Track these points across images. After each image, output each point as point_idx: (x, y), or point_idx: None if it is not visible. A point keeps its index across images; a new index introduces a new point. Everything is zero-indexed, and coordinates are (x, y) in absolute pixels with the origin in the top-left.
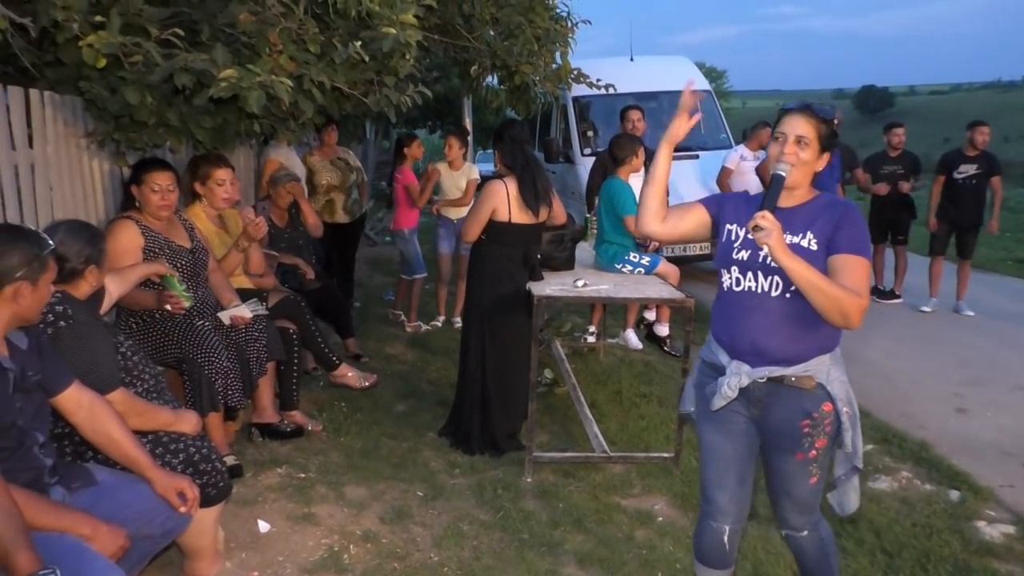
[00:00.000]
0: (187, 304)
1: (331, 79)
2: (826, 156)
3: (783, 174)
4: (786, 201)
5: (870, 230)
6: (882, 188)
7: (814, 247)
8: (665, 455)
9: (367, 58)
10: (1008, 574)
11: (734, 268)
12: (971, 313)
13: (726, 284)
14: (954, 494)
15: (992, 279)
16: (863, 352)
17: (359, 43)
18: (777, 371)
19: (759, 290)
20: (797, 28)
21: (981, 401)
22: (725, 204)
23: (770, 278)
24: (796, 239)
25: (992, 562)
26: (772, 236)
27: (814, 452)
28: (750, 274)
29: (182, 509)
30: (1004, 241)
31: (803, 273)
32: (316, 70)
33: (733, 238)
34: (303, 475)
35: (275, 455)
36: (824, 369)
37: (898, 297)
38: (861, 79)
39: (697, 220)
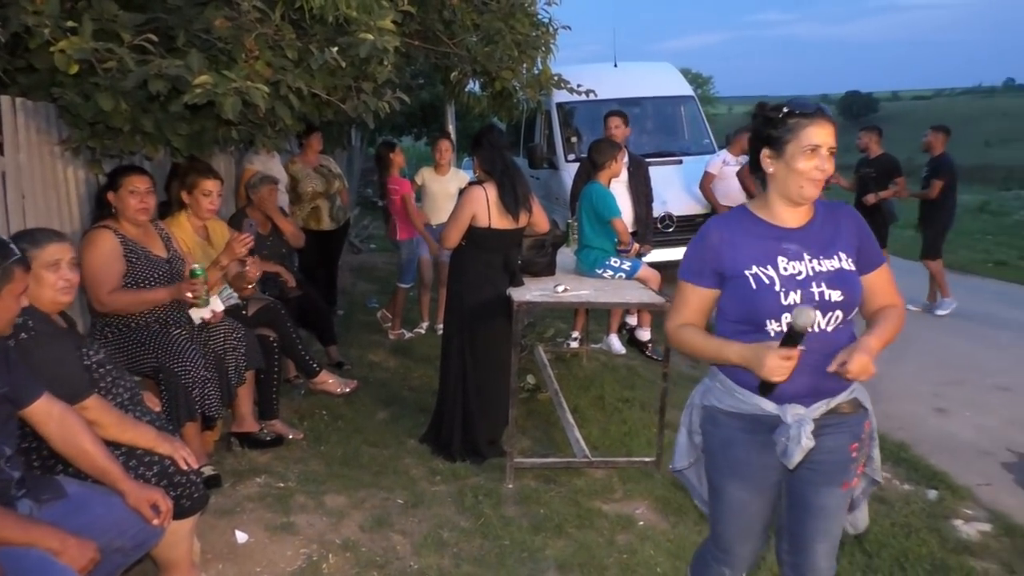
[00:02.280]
0: (204, 308)
1: (308, 85)
2: None
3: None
4: (798, 221)
5: None
6: (869, 199)
7: (851, 266)
8: (647, 459)
9: (344, 64)
10: (984, 571)
11: (784, 315)
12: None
13: (772, 331)
14: (932, 493)
15: (972, 281)
16: None
17: (336, 49)
18: (834, 402)
19: (817, 329)
20: (782, 34)
21: (960, 401)
22: (722, 251)
23: (829, 315)
24: (835, 263)
25: (969, 560)
26: (870, 365)
27: (856, 479)
28: None
29: (155, 521)
30: (985, 243)
31: (889, 338)
32: (293, 76)
33: (767, 282)
34: (282, 484)
35: (254, 464)
36: (861, 387)
37: None
38: (845, 84)
39: (711, 304)
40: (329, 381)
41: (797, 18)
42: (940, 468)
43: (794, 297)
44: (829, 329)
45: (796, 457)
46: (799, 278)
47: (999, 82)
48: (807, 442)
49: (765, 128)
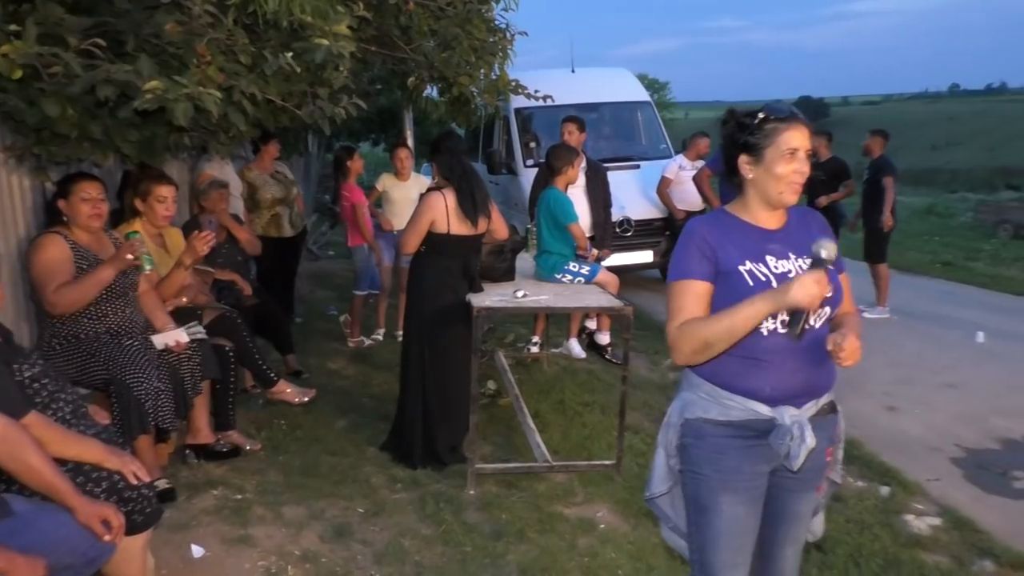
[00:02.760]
0: (147, 266)
1: (262, 91)
2: None
3: (829, 253)
4: (776, 223)
5: None
6: (821, 201)
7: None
8: (607, 463)
9: (300, 69)
10: (935, 565)
11: (781, 311)
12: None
13: (766, 330)
14: (884, 489)
15: (920, 281)
16: None
17: (291, 54)
18: (820, 402)
19: (811, 326)
20: (737, 41)
21: (910, 399)
22: (715, 245)
23: (819, 311)
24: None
25: (920, 554)
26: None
27: (826, 483)
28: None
29: (106, 538)
30: (932, 245)
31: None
32: (246, 82)
33: (762, 278)
34: (240, 496)
35: (210, 477)
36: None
37: None
38: (798, 90)
39: (708, 298)
40: (287, 390)
41: (751, 24)
42: (892, 465)
43: None
44: (817, 327)
45: (802, 458)
46: (790, 276)
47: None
48: (811, 441)
49: (741, 134)
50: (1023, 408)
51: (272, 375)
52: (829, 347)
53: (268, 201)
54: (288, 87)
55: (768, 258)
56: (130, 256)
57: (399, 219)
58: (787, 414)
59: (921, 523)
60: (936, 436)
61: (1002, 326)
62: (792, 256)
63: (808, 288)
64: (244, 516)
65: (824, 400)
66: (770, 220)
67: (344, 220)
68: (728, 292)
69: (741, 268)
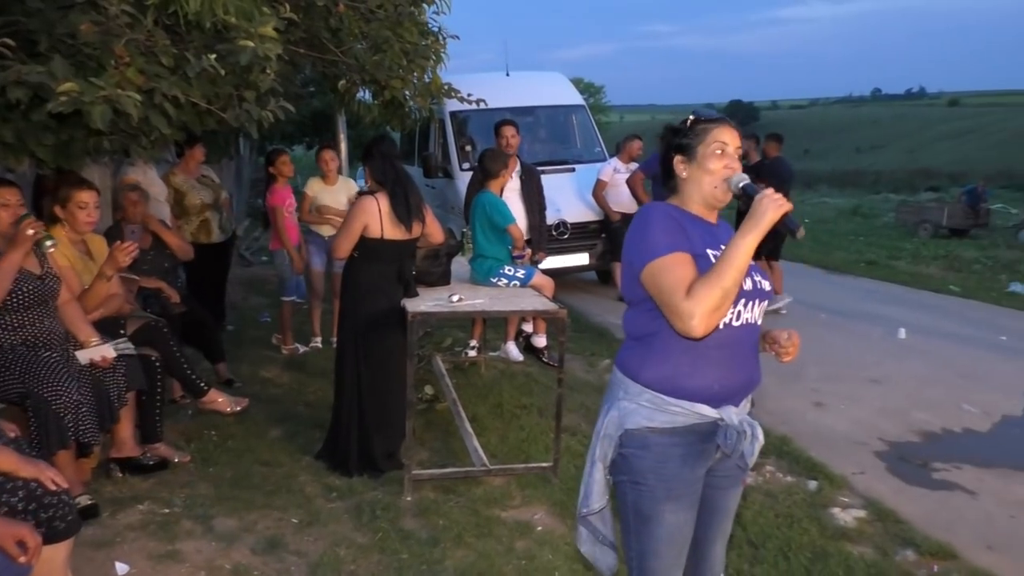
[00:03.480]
0: (48, 242)
1: (186, 93)
2: None
3: (748, 182)
4: (713, 217)
5: None
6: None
7: None
8: (544, 465)
9: (224, 72)
10: (860, 556)
11: (740, 300)
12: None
13: (722, 322)
14: (812, 484)
15: (846, 280)
16: None
17: (214, 56)
18: (751, 396)
19: (752, 319)
20: (670, 45)
21: (836, 395)
22: (684, 227)
23: (762, 304)
24: None
25: (846, 545)
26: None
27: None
28: (750, 304)
29: (21, 559)
30: (857, 244)
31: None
32: (168, 84)
33: None
34: (167, 510)
35: (136, 491)
36: None
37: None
38: (729, 94)
39: (694, 266)
40: (218, 400)
41: (683, 29)
42: (819, 460)
43: (746, 284)
44: (758, 322)
45: (756, 454)
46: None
47: (867, 92)
48: (761, 437)
49: (675, 138)
50: (942, 401)
51: (202, 384)
52: (769, 344)
53: (196, 207)
54: (213, 89)
55: (723, 247)
56: (31, 232)
57: (329, 225)
58: (732, 413)
59: (847, 516)
60: (861, 431)
61: (922, 322)
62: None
63: (772, 201)
64: (172, 531)
65: (756, 391)
66: (708, 217)
67: (270, 222)
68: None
69: (709, 251)
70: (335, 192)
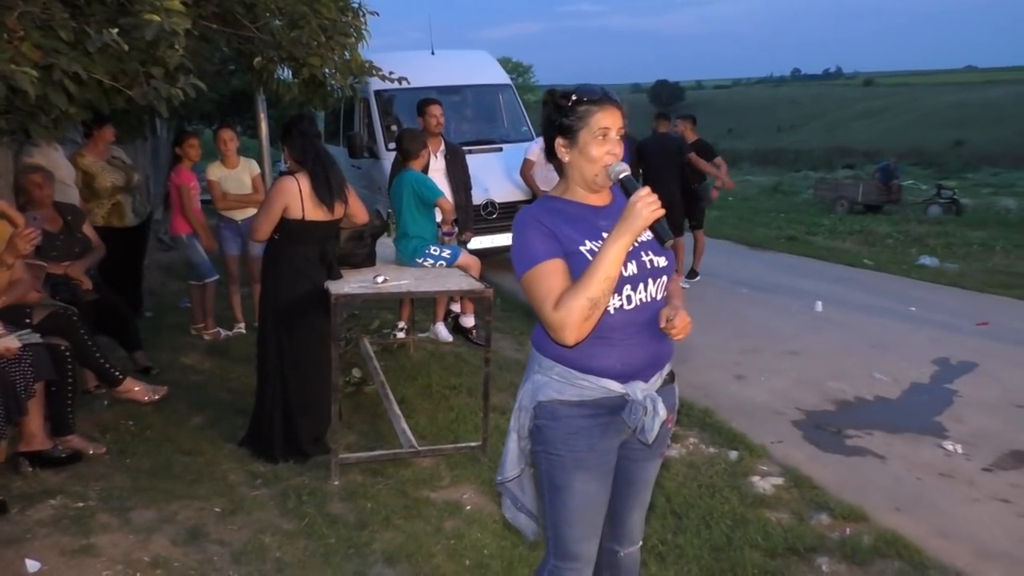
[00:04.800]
0: None
1: (87, 69)
2: None
3: (628, 174)
4: (602, 201)
5: None
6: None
7: None
8: (472, 444)
9: (129, 47)
10: (778, 521)
11: (626, 287)
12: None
13: (612, 308)
14: (733, 454)
15: (767, 255)
16: None
17: (117, 31)
18: (664, 372)
19: (649, 298)
20: (596, 26)
21: (756, 367)
22: (556, 231)
23: (659, 280)
24: (648, 234)
25: (765, 512)
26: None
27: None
28: (641, 286)
29: None
30: (778, 221)
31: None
32: (67, 60)
33: None
34: (81, 504)
35: (47, 486)
36: None
37: (697, 275)
38: (655, 74)
39: (567, 273)
40: (135, 389)
41: (609, 10)
42: (739, 430)
43: (632, 268)
44: (659, 297)
45: (656, 430)
46: (629, 250)
47: (787, 72)
48: (663, 413)
49: (557, 116)
50: (855, 371)
51: (116, 373)
52: (661, 324)
53: (107, 189)
54: (118, 66)
55: (604, 234)
56: None
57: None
58: (638, 389)
59: (765, 483)
60: (780, 401)
61: (838, 295)
62: None
63: (645, 204)
64: (86, 525)
65: (666, 371)
66: (596, 199)
67: (170, 205)
68: (573, 272)
69: (582, 249)
70: (238, 174)
